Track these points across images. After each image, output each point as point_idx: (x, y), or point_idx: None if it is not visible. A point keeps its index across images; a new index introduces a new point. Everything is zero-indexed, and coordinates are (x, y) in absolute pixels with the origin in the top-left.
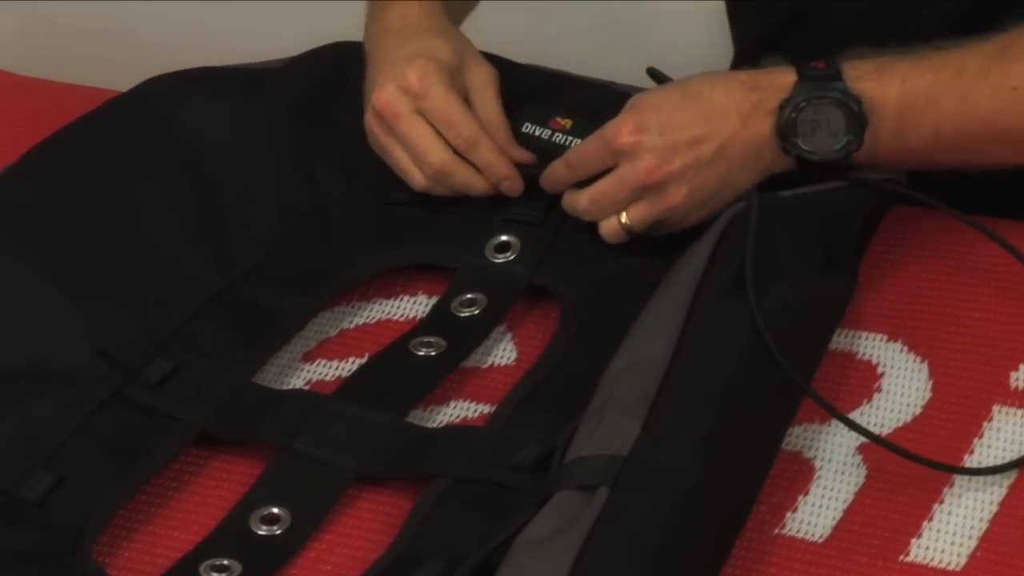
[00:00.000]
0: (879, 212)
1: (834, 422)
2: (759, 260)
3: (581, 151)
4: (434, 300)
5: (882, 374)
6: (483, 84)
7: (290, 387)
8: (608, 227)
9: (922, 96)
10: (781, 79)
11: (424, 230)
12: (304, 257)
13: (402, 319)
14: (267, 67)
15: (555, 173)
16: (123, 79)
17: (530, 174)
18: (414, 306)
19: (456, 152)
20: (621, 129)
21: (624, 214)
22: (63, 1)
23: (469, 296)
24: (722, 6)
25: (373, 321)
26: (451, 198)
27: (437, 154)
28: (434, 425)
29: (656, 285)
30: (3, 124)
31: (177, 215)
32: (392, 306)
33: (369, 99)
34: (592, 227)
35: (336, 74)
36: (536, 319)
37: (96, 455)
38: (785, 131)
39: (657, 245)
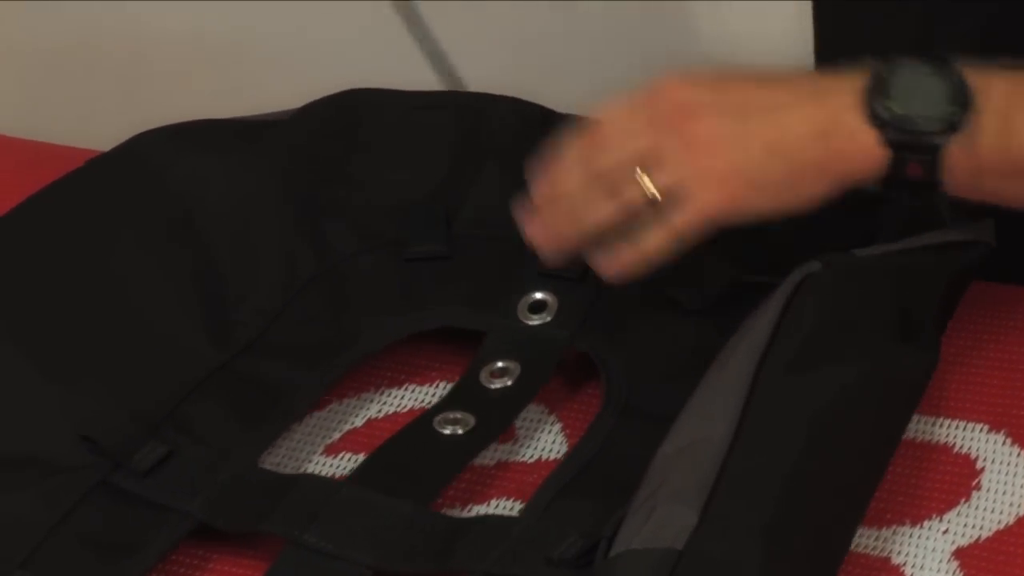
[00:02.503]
0: (965, 275)
1: (927, 524)
2: (827, 330)
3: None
4: None
5: (982, 469)
6: None
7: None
8: (630, 193)
9: None
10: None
11: (449, 288)
12: (313, 326)
13: None
14: (271, 119)
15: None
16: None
17: None
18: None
19: None
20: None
21: (645, 176)
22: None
23: (500, 365)
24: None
25: (404, 410)
26: (480, 252)
27: None
28: (463, 515)
29: (715, 353)
30: None
31: (168, 283)
32: (427, 392)
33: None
34: None
35: (349, 125)
36: (580, 391)
37: (80, 551)
38: (875, 91)
39: (717, 308)
